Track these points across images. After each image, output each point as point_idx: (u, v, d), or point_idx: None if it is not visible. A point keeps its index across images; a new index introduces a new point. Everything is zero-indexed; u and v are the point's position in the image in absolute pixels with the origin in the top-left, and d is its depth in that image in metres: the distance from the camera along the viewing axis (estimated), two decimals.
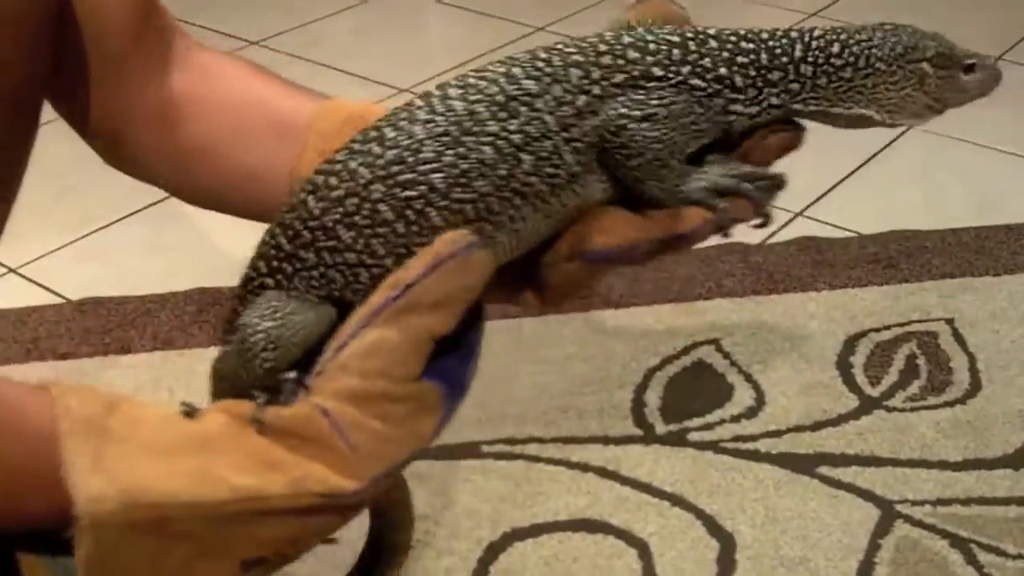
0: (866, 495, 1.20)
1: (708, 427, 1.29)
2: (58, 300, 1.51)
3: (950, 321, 1.46)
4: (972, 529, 1.16)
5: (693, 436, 1.28)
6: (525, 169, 0.64)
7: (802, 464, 1.24)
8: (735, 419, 1.31)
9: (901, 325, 1.45)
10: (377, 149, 0.64)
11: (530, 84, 0.64)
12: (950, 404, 1.33)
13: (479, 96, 0.64)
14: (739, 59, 0.68)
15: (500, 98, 0.64)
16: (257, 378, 0.67)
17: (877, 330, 1.44)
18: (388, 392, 0.63)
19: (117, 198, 1.65)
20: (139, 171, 0.91)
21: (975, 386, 1.35)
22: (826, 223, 1.69)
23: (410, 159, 0.64)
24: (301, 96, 0.86)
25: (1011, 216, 1.68)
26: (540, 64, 0.65)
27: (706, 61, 0.67)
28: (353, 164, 0.65)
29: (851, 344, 1.42)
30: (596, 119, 0.65)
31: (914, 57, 0.73)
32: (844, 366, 1.39)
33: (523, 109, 0.64)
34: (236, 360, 0.68)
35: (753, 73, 0.69)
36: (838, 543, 1.14)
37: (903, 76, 0.73)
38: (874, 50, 0.72)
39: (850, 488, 1.21)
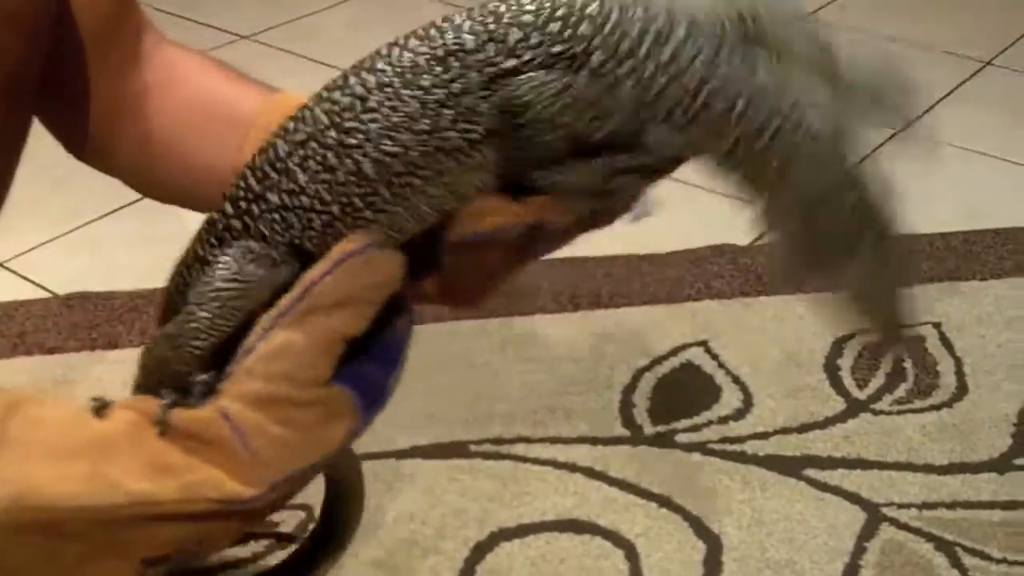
0: (852, 498, 1.20)
1: (696, 428, 1.30)
2: (45, 294, 1.51)
3: (937, 325, 1.46)
4: (957, 532, 1.16)
5: (681, 437, 1.28)
6: (444, 124, 0.63)
7: (789, 466, 1.24)
8: (723, 420, 1.31)
9: None
10: (337, 95, 0.65)
11: (469, 39, 0.63)
12: (936, 408, 1.33)
13: (425, 48, 0.64)
14: None
15: (440, 52, 0.63)
16: (185, 363, 0.67)
17: (865, 332, 1.44)
18: (292, 397, 0.62)
19: (106, 192, 1.64)
20: (108, 165, 0.91)
21: (961, 390, 1.36)
22: None
23: (358, 107, 0.64)
24: (259, 92, 0.87)
25: (999, 221, 1.69)
26: (489, 19, 0.63)
27: None
28: (317, 110, 0.65)
29: (839, 346, 1.42)
30: (511, 89, 0.63)
31: None
32: (831, 369, 1.39)
33: (455, 65, 0.63)
34: (167, 343, 0.68)
35: None
36: (824, 545, 1.14)
37: None
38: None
39: (836, 491, 1.21)
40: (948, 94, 2.08)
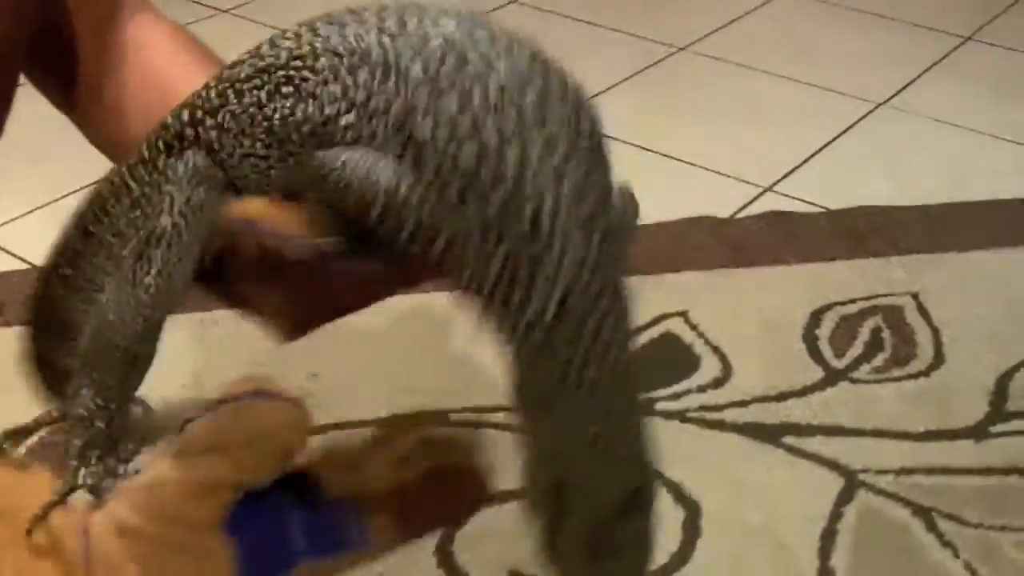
0: (830, 464, 1.21)
1: (675, 397, 1.30)
2: (25, 266, 1.51)
3: (915, 295, 1.47)
4: (934, 498, 1.17)
5: (660, 406, 1.29)
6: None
7: (767, 434, 1.25)
8: (702, 389, 1.32)
9: (867, 299, 1.47)
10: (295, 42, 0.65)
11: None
12: (914, 376, 1.34)
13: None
14: None
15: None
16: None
17: (843, 303, 1.46)
18: (150, 535, 0.59)
19: (88, 164, 1.64)
20: (85, 132, 0.91)
21: (939, 359, 1.37)
22: (795, 198, 1.70)
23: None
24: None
25: (978, 194, 1.70)
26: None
27: None
28: (283, 46, 0.65)
29: (817, 317, 1.43)
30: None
31: None
32: (810, 339, 1.40)
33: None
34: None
35: None
36: (802, 511, 1.15)
37: None
38: None
39: (814, 457, 1.22)
40: (929, 68, 2.09)
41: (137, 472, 0.62)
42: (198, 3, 2.23)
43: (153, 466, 0.59)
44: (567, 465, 0.63)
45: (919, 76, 2.06)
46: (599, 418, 0.62)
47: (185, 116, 0.68)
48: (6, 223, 1.60)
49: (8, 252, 1.55)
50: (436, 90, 0.59)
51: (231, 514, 0.59)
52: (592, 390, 0.61)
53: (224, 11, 2.23)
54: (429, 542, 1.10)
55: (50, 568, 0.60)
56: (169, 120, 0.69)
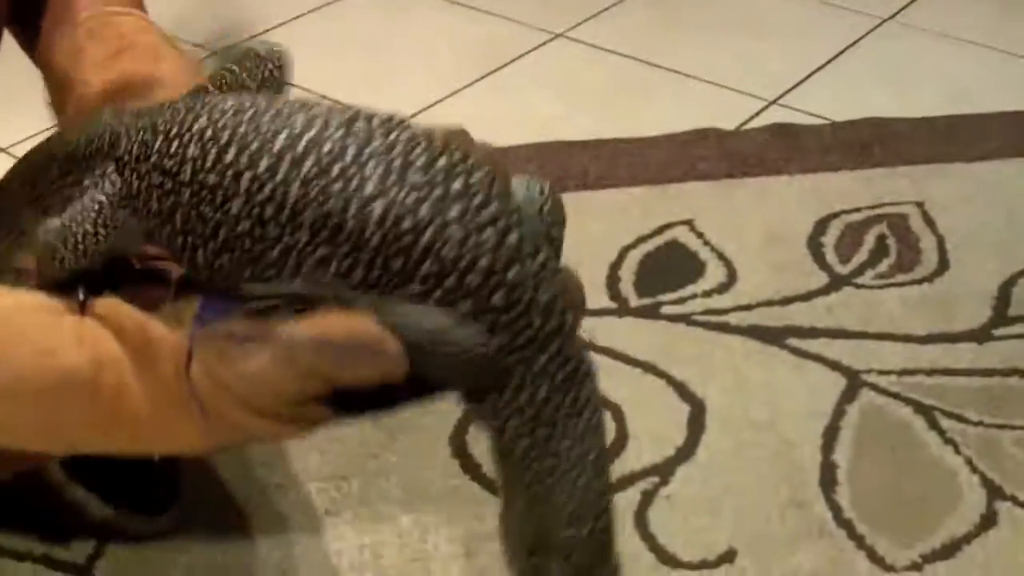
0: (833, 365, 1.23)
1: (680, 301, 1.32)
2: None
3: (920, 204, 1.48)
4: (935, 397, 1.19)
5: (666, 309, 1.30)
6: None
7: (771, 336, 1.26)
8: (707, 294, 1.33)
9: (872, 207, 1.47)
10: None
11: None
12: (918, 282, 1.35)
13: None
14: None
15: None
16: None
17: (848, 212, 1.47)
18: (271, 410, 0.63)
19: None
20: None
21: (943, 265, 1.38)
22: (800, 111, 1.71)
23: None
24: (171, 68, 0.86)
25: (982, 107, 1.70)
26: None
27: None
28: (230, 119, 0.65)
29: (822, 225, 1.44)
30: None
31: None
32: (815, 245, 1.41)
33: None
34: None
35: None
36: (805, 409, 1.17)
37: None
38: None
39: (817, 358, 1.23)
40: None
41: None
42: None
43: (256, 351, 0.61)
44: (539, 528, 0.65)
45: None
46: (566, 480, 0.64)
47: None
48: (18, 143, 1.60)
49: None
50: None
51: None
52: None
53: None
54: (444, 436, 1.12)
55: (177, 415, 0.63)
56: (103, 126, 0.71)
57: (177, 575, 0.99)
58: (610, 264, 1.37)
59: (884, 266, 1.38)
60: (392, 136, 0.62)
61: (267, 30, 1.93)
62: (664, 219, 1.46)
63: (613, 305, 1.31)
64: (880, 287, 1.34)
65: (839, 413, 1.16)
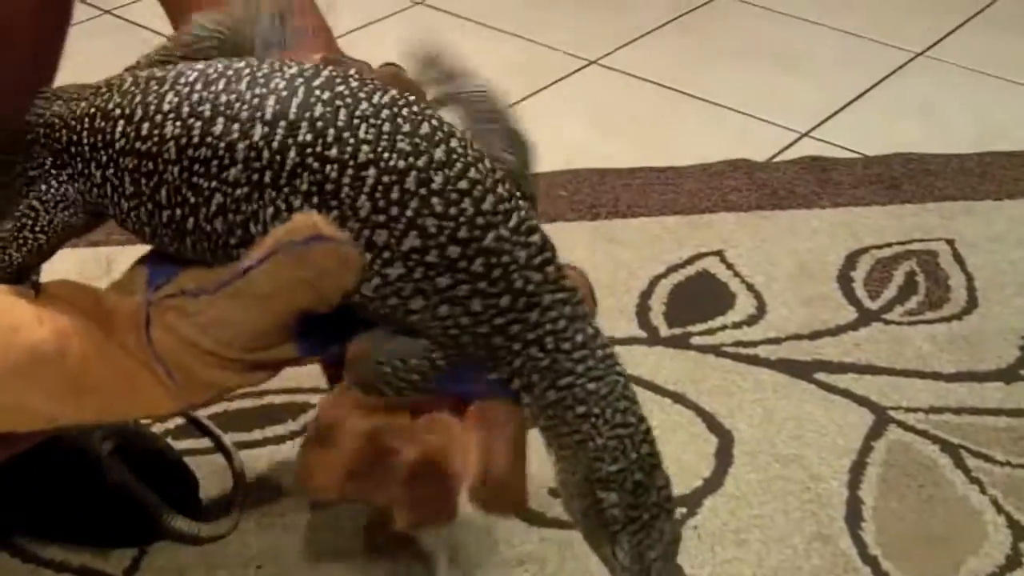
0: (861, 400, 1.23)
1: (710, 332, 1.33)
2: None
3: (950, 242, 1.49)
4: (962, 436, 1.19)
5: (695, 340, 1.31)
6: None
7: (800, 369, 1.27)
8: (736, 326, 1.34)
9: (902, 243, 1.48)
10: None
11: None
12: (947, 320, 1.36)
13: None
14: None
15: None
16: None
17: (879, 247, 1.48)
18: (236, 359, 0.63)
19: None
20: None
21: (972, 304, 1.38)
22: (832, 144, 1.72)
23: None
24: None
25: (1014, 144, 1.71)
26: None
27: None
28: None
29: (852, 260, 1.45)
30: None
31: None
32: (844, 280, 1.42)
33: None
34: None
35: None
36: (832, 443, 1.18)
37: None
38: None
39: (846, 393, 1.24)
40: (969, 19, 2.09)
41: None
42: None
43: (214, 299, 0.62)
44: (589, 469, 0.65)
45: (958, 27, 2.06)
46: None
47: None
48: None
49: None
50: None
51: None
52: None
53: None
54: None
55: (145, 379, 0.64)
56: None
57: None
58: (641, 293, 1.39)
59: (913, 303, 1.39)
60: (377, 98, 0.62)
61: None
62: (695, 249, 1.47)
63: (643, 334, 1.32)
64: (909, 324, 1.35)
65: (866, 449, 1.17)
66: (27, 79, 0.90)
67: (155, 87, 0.64)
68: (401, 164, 0.60)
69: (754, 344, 1.31)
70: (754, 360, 1.29)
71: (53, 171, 0.67)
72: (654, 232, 1.50)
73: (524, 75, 1.89)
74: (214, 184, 0.62)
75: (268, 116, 0.61)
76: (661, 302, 1.37)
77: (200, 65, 0.65)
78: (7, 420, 0.65)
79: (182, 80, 0.63)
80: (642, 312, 1.35)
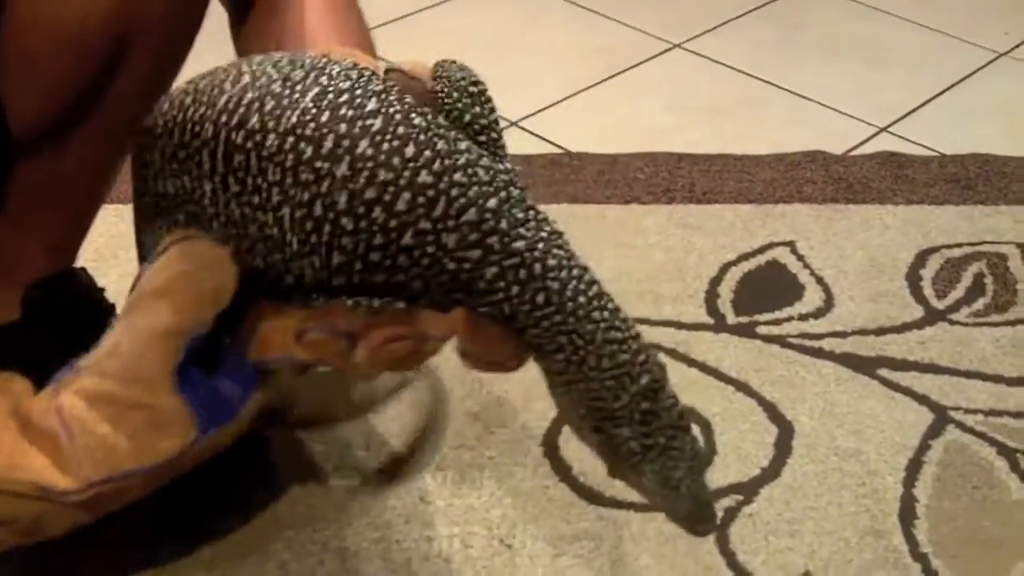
0: (921, 399, 1.25)
1: (777, 322, 1.35)
2: None
3: (1021, 246, 1.50)
4: (1020, 440, 1.21)
5: (762, 329, 1.34)
6: None
7: (863, 365, 1.29)
8: (803, 317, 1.36)
9: (973, 244, 1.50)
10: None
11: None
12: (1012, 323, 1.37)
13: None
14: None
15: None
16: None
17: (949, 247, 1.49)
18: (118, 395, 0.64)
19: None
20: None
21: None
22: (909, 140, 1.73)
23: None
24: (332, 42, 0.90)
25: None
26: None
27: None
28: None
29: (922, 258, 1.47)
30: None
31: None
32: (913, 278, 1.43)
33: None
34: None
35: None
36: (891, 440, 1.20)
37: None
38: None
39: (907, 391, 1.26)
40: None
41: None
42: None
43: (110, 333, 0.65)
44: (593, 408, 0.67)
45: None
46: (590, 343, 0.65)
47: None
48: None
49: None
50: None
51: (180, 376, 0.65)
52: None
53: None
54: (538, 435, 1.17)
55: (44, 445, 0.65)
56: None
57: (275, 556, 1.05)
58: (710, 279, 1.41)
59: (979, 304, 1.40)
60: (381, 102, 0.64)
61: (393, 20, 1.99)
62: (767, 239, 1.49)
63: (710, 320, 1.35)
64: (974, 325, 1.37)
65: (924, 447, 1.19)
66: (154, 80, 0.95)
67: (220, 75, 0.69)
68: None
69: (819, 337, 1.33)
70: (818, 353, 1.31)
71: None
72: (727, 219, 1.52)
73: (609, 56, 1.92)
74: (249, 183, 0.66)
75: (288, 125, 0.64)
76: (730, 289, 1.40)
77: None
78: None
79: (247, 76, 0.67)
80: (710, 298, 1.38)
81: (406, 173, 0.63)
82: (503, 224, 0.64)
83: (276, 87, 0.64)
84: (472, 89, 0.71)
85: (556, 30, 2.00)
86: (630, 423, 0.65)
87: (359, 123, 0.63)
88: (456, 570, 1.04)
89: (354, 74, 0.65)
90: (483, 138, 0.69)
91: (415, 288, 0.64)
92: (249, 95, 0.64)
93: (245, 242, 0.65)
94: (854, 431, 1.21)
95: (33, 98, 0.92)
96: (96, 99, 0.94)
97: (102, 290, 1.09)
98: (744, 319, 1.35)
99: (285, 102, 0.63)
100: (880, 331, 1.35)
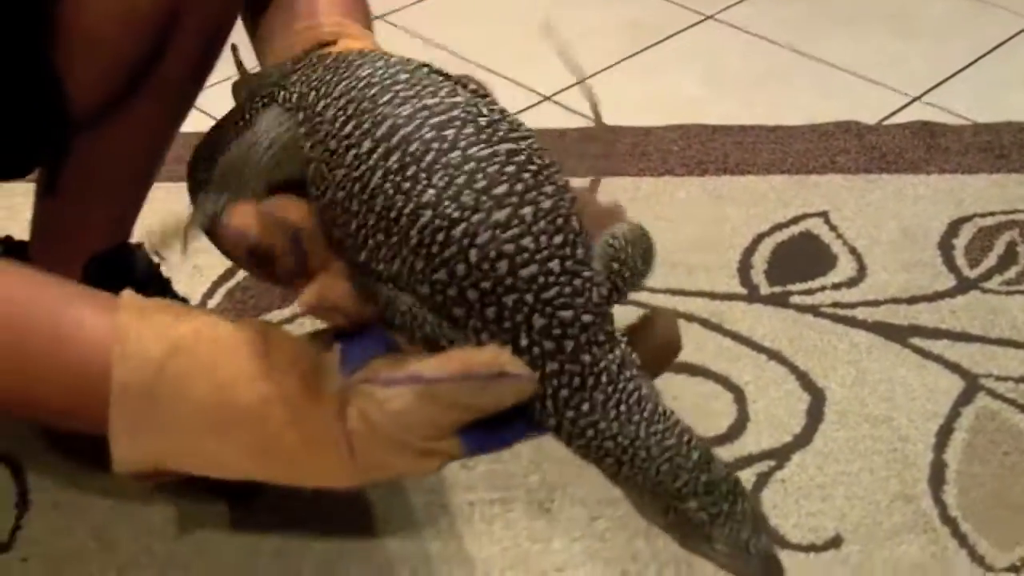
0: (953, 367, 1.27)
1: (809, 292, 1.37)
2: None
3: None
4: None
5: (795, 299, 1.36)
6: None
7: (895, 333, 1.31)
8: (836, 287, 1.38)
9: (1006, 213, 1.51)
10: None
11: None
12: None
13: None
14: None
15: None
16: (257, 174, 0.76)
17: (982, 216, 1.50)
18: (407, 443, 0.68)
19: None
20: None
21: None
22: (942, 109, 1.74)
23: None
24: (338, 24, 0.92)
25: None
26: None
27: None
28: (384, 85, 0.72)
29: (955, 227, 1.48)
30: None
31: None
32: (946, 247, 1.45)
33: None
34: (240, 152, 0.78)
35: None
36: (922, 407, 1.22)
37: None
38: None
39: (938, 359, 1.28)
40: None
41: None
42: None
43: (400, 392, 0.67)
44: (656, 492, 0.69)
45: None
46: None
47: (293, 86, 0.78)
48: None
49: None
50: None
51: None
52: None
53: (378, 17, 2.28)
54: None
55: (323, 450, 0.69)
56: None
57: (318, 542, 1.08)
58: (744, 250, 1.43)
59: (1012, 273, 1.41)
60: (470, 149, 0.67)
61: None
62: (800, 209, 1.51)
63: (743, 291, 1.37)
64: (1006, 293, 1.38)
65: (954, 415, 1.21)
66: (201, 56, 0.98)
67: (340, 71, 0.74)
68: (456, 215, 0.66)
69: (852, 306, 1.35)
70: (851, 322, 1.33)
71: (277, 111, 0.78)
72: (761, 190, 1.54)
73: (642, 28, 1.93)
74: (326, 182, 0.71)
75: (378, 134, 0.69)
76: (763, 260, 1.42)
77: (376, 62, 0.74)
78: (203, 466, 0.71)
79: (355, 74, 0.73)
80: (743, 269, 1.40)
81: (544, 252, 0.67)
82: (584, 337, 0.67)
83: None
84: (645, 248, 0.75)
85: (588, 3, 2.02)
86: (695, 496, 0.69)
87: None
88: (497, 532, 1.07)
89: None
90: (617, 281, 0.72)
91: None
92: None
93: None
94: (886, 398, 1.23)
95: (91, 76, 0.95)
96: (149, 75, 0.97)
97: (158, 264, 1.13)
98: (777, 289, 1.37)
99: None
100: (912, 300, 1.37)
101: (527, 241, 0.66)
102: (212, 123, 0.86)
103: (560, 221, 0.68)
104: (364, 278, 0.70)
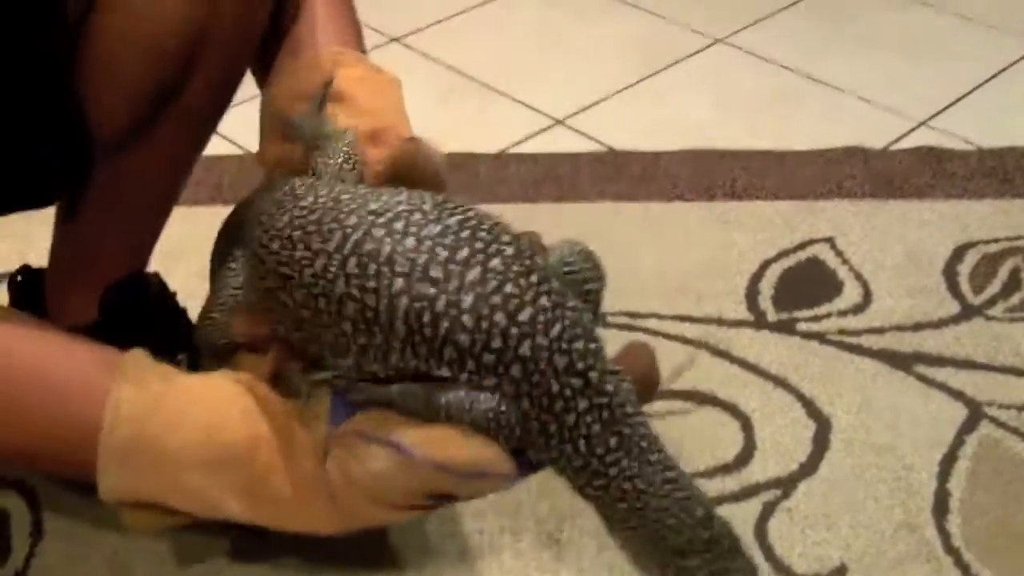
0: (957, 395, 1.29)
1: (816, 319, 1.39)
2: (238, 151, 1.63)
3: None
4: None
5: (801, 326, 1.38)
6: None
7: (900, 361, 1.33)
8: (842, 314, 1.40)
9: (1010, 239, 1.52)
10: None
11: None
12: None
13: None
14: None
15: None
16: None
17: (986, 242, 1.52)
18: (387, 500, 0.71)
19: None
20: None
21: None
22: (948, 133, 1.75)
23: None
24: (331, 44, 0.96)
25: None
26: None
27: None
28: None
29: (960, 253, 1.50)
30: None
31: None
32: (950, 273, 1.47)
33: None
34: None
35: None
36: (926, 435, 1.23)
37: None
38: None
39: (942, 387, 1.30)
40: None
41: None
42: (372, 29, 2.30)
43: (381, 453, 0.70)
44: (660, 548, 0.73)
45: None
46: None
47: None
48: None
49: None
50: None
51: None
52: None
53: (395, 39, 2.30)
54: None
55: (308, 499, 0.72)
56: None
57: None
58: (751, 276, 1.45)
59: (1015, 300, 1.43)
60: (423, 231, 0.70)
61: (445, 18, 2.03)
62: (806, 235, 1.53)
63: (751, 317, 1.38)
64: (1010, 320, 1.40)
65: (958, 443, 1.23)
66: (224, 79, 1.00)
67: (287, 204, 0.78)
68: (431, 291, 0.68)
69: (858, 333, 1.37)
70: (857, 349, 1.35)
71: (239, 260, 0.84)
72: (767, 216, 1.56)
73: (652, 51, 1.95)
74: (289, 301, 0.75)
75: (330, 249, 0.73)
76: (770, 286, 1.44)
77: (323, 187, 0.78)
78: (191, 503, 0.73)
79: (300, 204, 0.77)
80: (751, 295, 1.42)
81: (530, 293, 0.70)
82: (599, 365, 0.70)
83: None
84: (593, 259, 0.80)
85: (600, 26, 2.04)
86: (696, 553, 0.71)
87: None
88: (506, 562, 1.09)
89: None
90: (588, 300, 0.76)
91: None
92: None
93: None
94: (890, 426, 1.24)
95: (115, 102, 0.98)
96: (173, 100, 0.99)
97: (173, 293, 1.15)
98: (784, 315, 1.39)
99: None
100: (917, 327, 1.38)
101: (509, 288, 0.69)
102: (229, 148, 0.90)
103: (528, 262, 0.71)
104: (362, 384, 0.73)
